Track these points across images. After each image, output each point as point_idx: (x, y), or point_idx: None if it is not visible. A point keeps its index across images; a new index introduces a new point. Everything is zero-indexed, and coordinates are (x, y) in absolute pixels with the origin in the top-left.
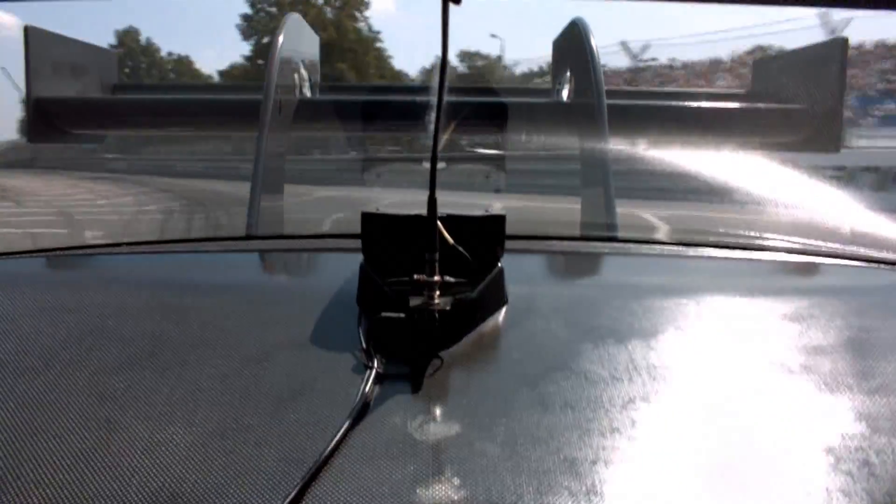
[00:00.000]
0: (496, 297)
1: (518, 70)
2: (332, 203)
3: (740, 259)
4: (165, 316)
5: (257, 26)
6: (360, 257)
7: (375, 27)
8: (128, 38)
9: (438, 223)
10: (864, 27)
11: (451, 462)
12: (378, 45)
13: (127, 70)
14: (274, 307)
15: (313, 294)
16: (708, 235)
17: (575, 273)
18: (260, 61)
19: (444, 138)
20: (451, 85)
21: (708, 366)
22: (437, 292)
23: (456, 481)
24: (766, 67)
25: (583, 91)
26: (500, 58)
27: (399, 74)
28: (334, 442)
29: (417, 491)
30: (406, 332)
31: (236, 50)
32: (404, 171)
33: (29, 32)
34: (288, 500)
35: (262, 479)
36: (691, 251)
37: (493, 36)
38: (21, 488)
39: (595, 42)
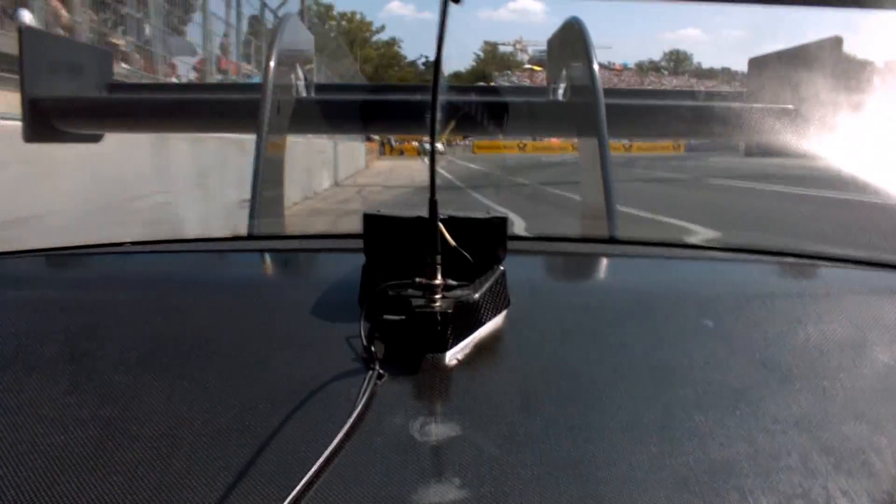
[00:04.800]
0: (498, 299)
1: None
2: None
3: (741, 261)
4: (165, 316)
5: None
6: (361, 258)
7: None
8: None
9: (440, 225)
10: None
11: (452, 463)
12: None
13: None
14: (274, 307)
15: (314, 295)
16: (708, 237)
17: (577, 274)
18: None
19: (442, 138)
20: (449, 84)
21: (708, 366)
22: (439, 294)
23: (457, 482)
24: (763, 66)
25: (579, 90)
26: None
27: None
28: (335, 443)
29: (418, 492)
30: (407, 334)
31: None
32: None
33: (23, 32)
34: (288, 500)
35: (262, 479)
36: (692, 253)
37: None
38: (21, 487)
39: (592, 41)
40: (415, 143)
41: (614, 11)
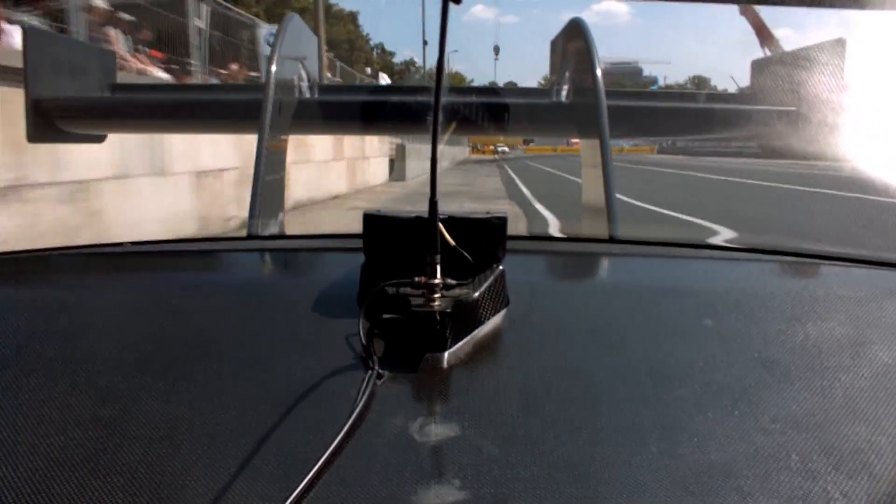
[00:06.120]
0: (497, 299)
1: None
2: None
3: (741, 260)
4: (166, 316)
5: None
6: (360, 257)
7: None
8: None
9: (440, 224)
10: None
11: (452, 463)
12: None
13: None
14: (274, 307)
15: (314, 294)
16: (708, 236)
17: (576, 274)
18: None
19: (444, 139)
20: (450, 85)
21: (708, 367)
22: (438, 294)
23: (457, 482)
24: (765, 68)
25: (581, 91)
26: None
27: None
28: (335, 443)
29: (418, 492)
30: (407, 334)
31: None
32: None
33: (27, 33)
34: (289, 501)
35: (262, 479)
36: (692, 252)
37: None
38: (20, 488)
39: (595, 43)
40: (491, 147)
41: (699, 12)
